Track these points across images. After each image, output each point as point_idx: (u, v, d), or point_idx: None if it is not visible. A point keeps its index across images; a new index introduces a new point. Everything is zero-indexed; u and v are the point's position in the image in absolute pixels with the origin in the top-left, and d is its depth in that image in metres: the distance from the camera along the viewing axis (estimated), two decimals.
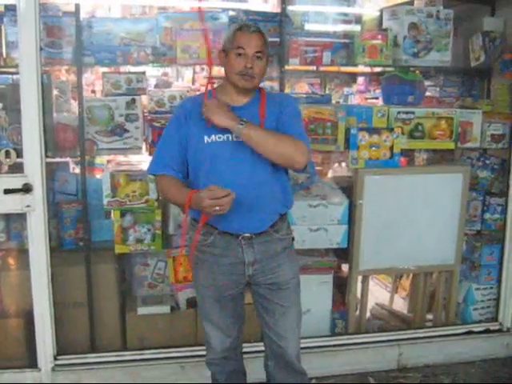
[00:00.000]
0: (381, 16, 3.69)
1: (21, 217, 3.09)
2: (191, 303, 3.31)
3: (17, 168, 2.99)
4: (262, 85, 2.50)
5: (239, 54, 2.30)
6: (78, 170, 3.33)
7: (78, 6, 2.99)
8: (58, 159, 3.24)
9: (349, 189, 3.45)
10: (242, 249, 2.39)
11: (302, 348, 2.64)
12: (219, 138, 2.34)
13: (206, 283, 2.47)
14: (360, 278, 3.53)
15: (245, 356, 2.74)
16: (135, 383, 3.20)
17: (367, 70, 4.77)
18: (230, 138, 2.33)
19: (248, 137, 2.26)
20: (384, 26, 3.57)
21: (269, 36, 3.15)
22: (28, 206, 2.95)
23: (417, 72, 3.76)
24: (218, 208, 2.14)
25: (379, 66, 3.81)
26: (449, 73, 4.05)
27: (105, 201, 3.15)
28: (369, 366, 3.47)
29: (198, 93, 2.75)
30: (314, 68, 4.58)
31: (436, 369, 3.53)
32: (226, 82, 2.41)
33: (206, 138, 2.34)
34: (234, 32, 2.33)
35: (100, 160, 3.69)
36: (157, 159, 2.45)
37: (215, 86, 2.43)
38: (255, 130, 2.27)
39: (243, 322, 2.62)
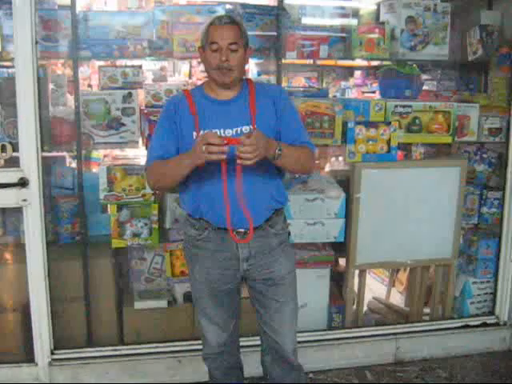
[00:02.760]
0: (378, 9, 3.68)
1: (17, 211, 3.09)
2: (188, 297, 3.31)
3: (13, 162, 2.98)
4: (258, 79, 2.49)
5: (214, 50, 2.27)
6: (74, 164, 3.32)
7: (73, 0, 2.97)
8: (54, 153, 3.24)
9: (346, 183, 3.45)
10: (236, 244, 2.38)
11: (299, 342, 2.65)
12: None
13: (201, 278, 2.46)
14: (357, 271, 3.53)
15: (242, 350, 2.74)
16: (132, 377, 3.21)
17: (364, 63, 4.76)
18: (219, 133, 2.29)
19: (284, 160, 2.26)
20: (381, 20, 3.57)
21: (266, 29, 3.20)
22: (24, 201, 2.95)
23: (414, 66, 3.75)
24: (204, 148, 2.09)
25: (376, 59, 3.80)
26: (446, 66, 4.04)
27: (101, 195, 3.14)
28: (366, 359, 3.48)
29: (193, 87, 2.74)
30: (311, 62, 4.57)
31: (433, 362, 3.54)
32: (210, 78, 2.39)
33: (194, 134, 2.32)
34: (207, 27, 2.32)
35: (96, 154, 3.68)
36: (151, 153, 2.43)
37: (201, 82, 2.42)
38: (288, 150, 2.27)
39: (240, 317, 2.62)
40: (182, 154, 2.31)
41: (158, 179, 2.40)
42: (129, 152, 3.58)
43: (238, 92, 2.38)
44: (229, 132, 2.31)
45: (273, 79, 3.35)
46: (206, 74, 2.44)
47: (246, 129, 2.32)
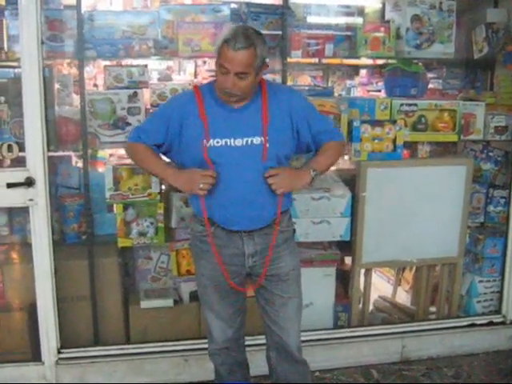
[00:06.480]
0: (383, 8, 3.67)
1: (24, 210, 3.09)
2: (194, 296, 3.31)
3: (19, 162, 2.99)
4: (264, 77, 2.48)
5: (223, 73, 2.25)
6: (80, 164, 3.32)
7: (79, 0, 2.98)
8: (60, 153, 3.23)
9: (352, 181, 3.44)
10: (242, 241, 2.40)
11: (305, 341, 2.66)
12: (217, 142, 2.32)
13: (207, 273, 2.49)
14: (363, 270, 3.53)
15: (248, 349, 2.75)
16: (138, 376, 3.21)
17: (370, 62, 4.75)
18: (229, 142, 2.31)
19: (323, 172, 2.52)
20: (386, 18, 3.56)
21: (271, 28, 3.20)
22: (31, 200, 2.96)
23: (419, 64, 3.74)
24: (201, 186, 2.27)
25: (382, 58, 3.80)
26: (452, 65, 4.03)
27: (107, 194, 3.14)
28: (372, 358, 3.47)
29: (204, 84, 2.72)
30: (317, 60, 4.57)
31: (439, 361, 3.53)
32: None
33: (204, 142, 2.32)
34: (222, 44, 2.23)
35: (102, 153, 3.68)
36: (137, 132, 2.49)
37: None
38: (321, 166, 2.48)
39: (245, 313, 2.63)
40: (168, 168, 2.44)
41: (135, 161, 2.59)
42: None
43: (250, 99, 2.37)
44: (238, 142, 2.31)
45: (278, 78, 3.35)
46: (211, 73, 2.44)
47: (256, 140, 2.32)
